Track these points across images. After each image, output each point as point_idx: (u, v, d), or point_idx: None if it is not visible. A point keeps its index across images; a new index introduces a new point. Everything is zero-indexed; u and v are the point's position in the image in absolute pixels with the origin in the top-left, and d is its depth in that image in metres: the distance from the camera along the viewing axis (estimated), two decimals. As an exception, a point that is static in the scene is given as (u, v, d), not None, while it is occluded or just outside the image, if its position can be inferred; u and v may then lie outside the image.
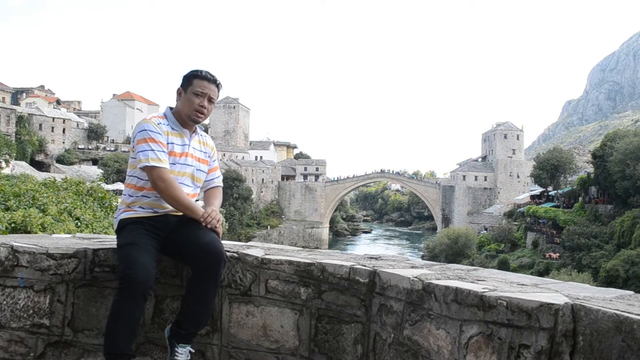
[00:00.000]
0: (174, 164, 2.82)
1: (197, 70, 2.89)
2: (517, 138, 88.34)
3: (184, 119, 2.88)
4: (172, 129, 2.86)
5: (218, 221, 2.79)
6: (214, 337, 2.85)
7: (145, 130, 2.76)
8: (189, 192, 2.88)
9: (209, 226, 2.74)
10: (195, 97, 2.83)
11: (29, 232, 6.52)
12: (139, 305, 2.54)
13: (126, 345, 2.53)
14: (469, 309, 1.89)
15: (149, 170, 2.70)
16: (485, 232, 67.85)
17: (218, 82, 2.90)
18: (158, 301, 2.91)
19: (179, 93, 2.89)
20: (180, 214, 2.83)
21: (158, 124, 2.82)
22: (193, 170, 2.90)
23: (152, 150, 2.71)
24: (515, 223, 64.78)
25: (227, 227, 66.45)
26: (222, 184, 3.15)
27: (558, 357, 1.59)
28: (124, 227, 2.77)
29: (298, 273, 2.71)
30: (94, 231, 8.56)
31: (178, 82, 2.92)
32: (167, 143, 2.80)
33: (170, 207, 2.81)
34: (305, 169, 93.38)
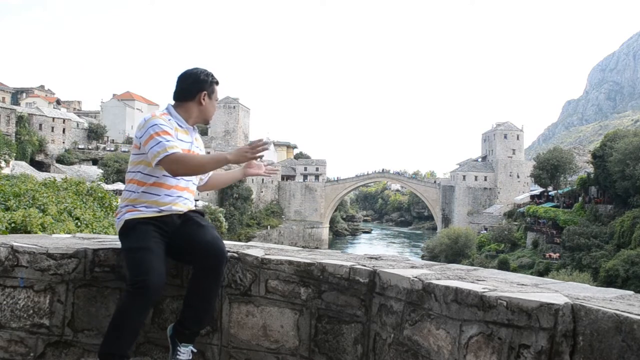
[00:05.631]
0: None
1: (213, 75, 2.88)
2: (517, 138, 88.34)
3: (195, 119, 2.87)
4: (179, 126, 2.81)
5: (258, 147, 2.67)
6: (214, 337, 2.86)
7: (157, 124, 2.68)
8: (195, 184, 3.00)
9: (257, 150, 2.67)
10: (215, 102, 2.92)
11: (29, 232, 6.52)
12: (147, 310, 2.62)
13: (128, 348, 2.57)
14: (469, 309, 1.89)
15: (167, 158, 2.60)
16: (485, 232, 67.87)
17: None
18: (158, 301, 2.90)
19: (202, 96, 2.82)
20: (184, 212, 2.81)
21: (169, 120, 2.78)
22: None
23: (168, 140, 2.64)
24: (515, 223, 64.78)
25: (227, 227, 66.46)
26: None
27: (558, 357, 1.59)
28: (132, 228, 2.68)
29: (298, 273, 2.71)
30: (94, 231, 8.57)
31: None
32: (176, 139, 2.75)
33: (175, 208, 2.78)
34: (305, 169, 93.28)
